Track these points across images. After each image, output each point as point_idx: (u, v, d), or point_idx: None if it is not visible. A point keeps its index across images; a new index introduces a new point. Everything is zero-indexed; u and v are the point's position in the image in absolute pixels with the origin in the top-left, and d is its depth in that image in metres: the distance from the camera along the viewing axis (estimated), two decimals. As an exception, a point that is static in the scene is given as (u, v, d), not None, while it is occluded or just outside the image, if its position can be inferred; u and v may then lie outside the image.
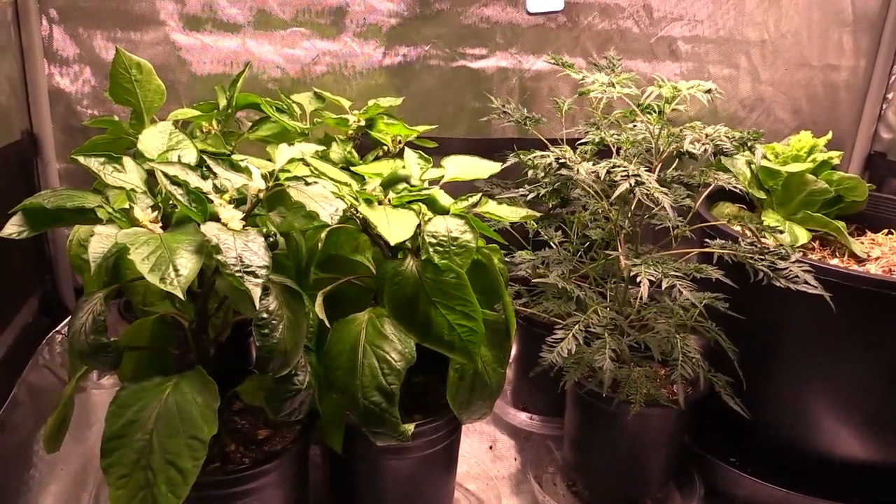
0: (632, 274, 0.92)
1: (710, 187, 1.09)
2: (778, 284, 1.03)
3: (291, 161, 0.98)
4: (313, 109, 1.28)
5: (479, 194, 0.98)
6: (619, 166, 0.97)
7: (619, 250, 1.13)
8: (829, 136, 1.41)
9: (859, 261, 1.31)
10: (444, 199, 0.97)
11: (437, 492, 1.11)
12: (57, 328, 1.37)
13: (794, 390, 1.24)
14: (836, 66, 1.60)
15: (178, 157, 0.98)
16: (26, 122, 1.28)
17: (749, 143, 0.96)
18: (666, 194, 0.95)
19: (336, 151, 1.18)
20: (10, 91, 1.21)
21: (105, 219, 0.83)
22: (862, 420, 1.20)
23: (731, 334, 1.27)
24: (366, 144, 1.28)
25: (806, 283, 1.03)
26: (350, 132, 1.25)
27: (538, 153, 1.00)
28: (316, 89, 1.33)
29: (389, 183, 0.96)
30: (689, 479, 1.27)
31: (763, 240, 1.22)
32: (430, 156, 1.17)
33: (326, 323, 0.91)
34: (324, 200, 0.86)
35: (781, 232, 1.32)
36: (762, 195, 1.41)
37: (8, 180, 1.22)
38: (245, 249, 0.78)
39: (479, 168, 1.06)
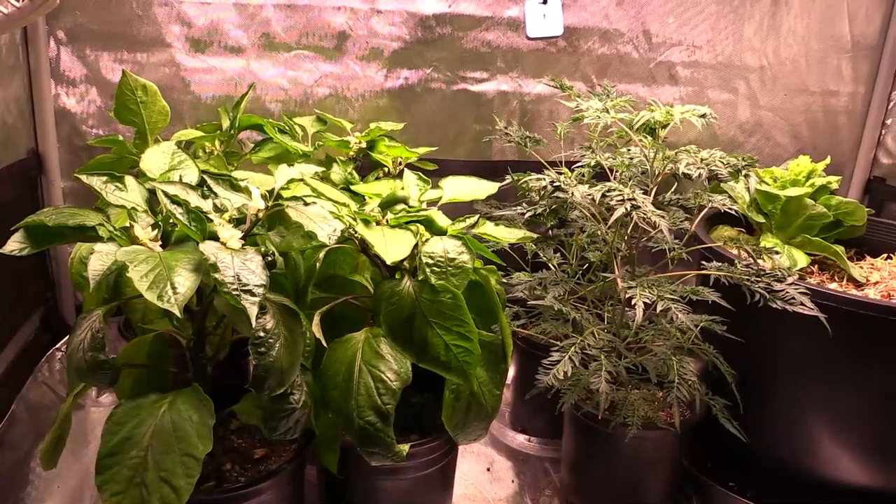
0: (627, 296, 0.92)
1: (705, 210, 1.09)
2: (774, 306, 1.03)
3: (292, 181, 0.99)
4: (315, 131, 1.29)
5: (477, 216, 0.99)
6: (614, 190, 0.98)
7: (616, 272, 1.14)
8: (828, 160, 1.42)
9: (858, 285, 1.31)
10: (442, 220, 0.98)
11: (432, 512, 1.11)
12: (57, 345, 1.38)
13: (791, 414, 1.24)
14: (836, 91, 1.61)
15: (180, 176, 0.99)
16: (32, 141, 1.30)
17: (744, 170, 0.96)
18: (662, 217, 0.95)
19: (337, 172, 1.20)
20: (17, 111, 1.23)
21: (106, 237, 0.84)
22: (861, 445, 1.19)
23: (730, 357, 1.27)
24: (367, 166, 1.29)
25: (802, 304, 1.03)
26: (352, 153, 1.26)
27: (534, 176, 1.01)
28: (318, 111, 1.34)
29: (388, 203, 0.97)
30: (687, 502, 1.26)
31: (761, 263, 1.23)
32: (430, 178, 1.19)
33: (323, 342, 0.91)
34: (322, 220, 0.88)
35: (778, 254, 1.33)
36: (761, 219, 1.41)
37: (13, 197, 1.23)
38: (243, 268, 0.79)
39: (476, 189, 1.07)
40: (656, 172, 1.06)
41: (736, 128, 1.62)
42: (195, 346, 0.94)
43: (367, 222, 0.89)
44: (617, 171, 1.09)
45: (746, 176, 0.95)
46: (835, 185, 1.39)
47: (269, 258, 0.89)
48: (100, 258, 0.79)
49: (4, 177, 1.21)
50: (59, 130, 1.32)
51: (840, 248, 1.37)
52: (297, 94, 1.40)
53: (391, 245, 0.85)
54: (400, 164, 1.24)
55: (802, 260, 1.34)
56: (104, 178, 0.89)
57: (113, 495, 0.80)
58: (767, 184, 1.42)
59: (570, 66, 1.50)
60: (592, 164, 1.11)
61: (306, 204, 0.89)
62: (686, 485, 1.29)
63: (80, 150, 1.34)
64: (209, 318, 0.94)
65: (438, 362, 0.91)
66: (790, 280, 1.06)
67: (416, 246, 0.90)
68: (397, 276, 0.93)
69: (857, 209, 1.37)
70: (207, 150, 1.22)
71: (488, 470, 1.36)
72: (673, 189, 1.20)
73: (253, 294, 0.77)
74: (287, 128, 1.25)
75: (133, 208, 0.88)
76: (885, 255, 1.43)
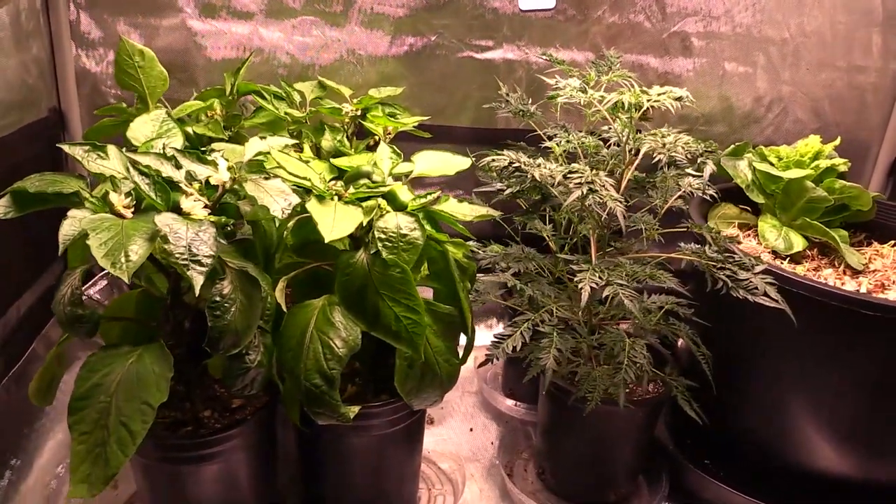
0: (576, 279, 0.94)
1: (676, 195, 1.08)
2: (735, 295, 1.03)
3: (283, 150, 1.04)
4: (314, 97, 1.33)
5: (438, 192, 1.02)
6: (575, 172, 0.99)
7: (592, 250, 1.15)
8: (838, 141, 1.37)
9: (855, 272, 1.28)
10: (405, 196, 1.01)
11: (399, 468, 1.17)
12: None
13: (768, 399, 1.24)
14: (863, 67, 1.54)
15: (163, 145, 1.06)
16: (54, 101, 1.39)
17: (701, 157, 0.95)
18: (619, 202, 0.96)
19: (328, 140, 1.24)
20: (37, 72, 1.32)
21: (87, 203, 0.92)
22: (833, 434, 1.19)
23: (710, 338, 1.28)
24: (366, 133, 1.33)
25: (765, 294, 1.03)
26: (346, 121, 1.30)
27: (493, 155, 1.03)
28: (320, 78, 1.38)
29: (351, 178, 1.01)
30: (658, 477, 1.29)
31: (736, 248, 1.21)
32: (431, 145, 1.21)
33: (283, 308, 0.97)
34: (279, 195, 0.92)
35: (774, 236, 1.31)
36: (761, 199, 1.38)
37: (36, 153, 1.32)
38: (195, 239, 0.85)
39: (449, 163, 1.10)
40: (629, 154, 1.06)
41: (753, 102, 1.56)
42: (171, 303, 1.01)
43: (321, 198, 0.93)
44: (588, 152, 1.09)
45: (703, 164, 0.94)
46: (842, 168, 1.35)
47: (229, 228, 0.95)
48: (72, 223, 0.86)
49: (27, 134, 1.30)
50: (79, 90, 1.40)
51: (843, 233, 1.34)
52: (304, 58, 1.44)
53: (338, 222, 0.89)
54: (390, 132, 1.27)
55: (799, 243, 1.32)
56: (87, 147, 0.95)
57: (81, 434, 0.89)
58: (771, 163, 1.39)
59: (579, 36, 1.48)
60: (563, 142, 1.11)
61: (267, 178, 0.94)
62: (659, 460, 1.31)
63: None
64: (185, 278, 1.01)
65: (389, 332, 0.96)
66: (758, 269, 1.06)
67: (370, 220, 0.94)
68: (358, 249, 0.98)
69: (861, 194, 1.32)
70: (209, 115, 1.28)
71: (471, 430, 1.42)
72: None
73: (201, 264, 0.83)
74: (285, 94, 1.29)
75: (112, 176, 0.95)
76: (892, 242, 1.38)
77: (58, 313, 0.94)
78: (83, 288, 1.54)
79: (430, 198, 1.00)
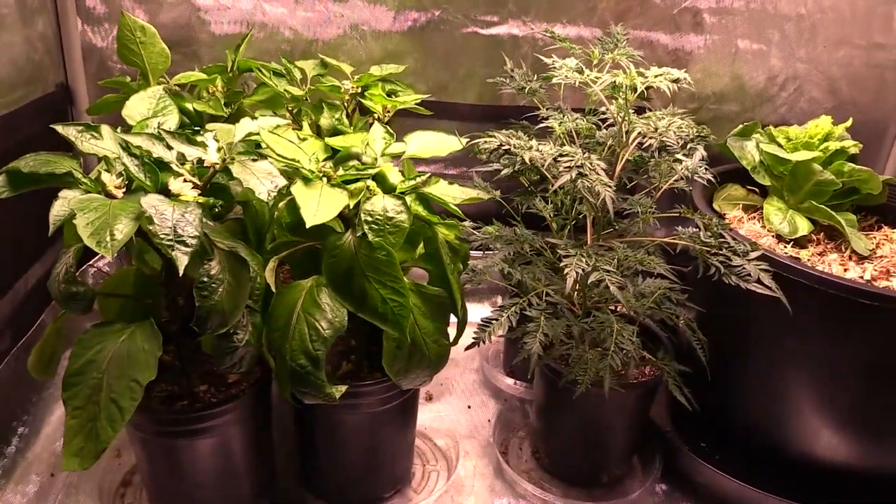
0: (562, 265, 0.93)
1: (672, 180, 1.06)
2: (727, 282, 1.02)
3: (274, 130, 1.04)
4: (315, 74, 1.33)
5: (429, 173, 1.02)
6: (566, 155, 0.98)
7: (589, 232, 1.14)
8: (849, 122, 1.33)
9: (861, 258, 1.26)
10: (394, 177, 1.01)
11: (391, 444, 1.19)
12: (90, 262, 1.52)
13: (763, 384, 1.23)
14: (883, 44, 1.48)
15: (158, 123, 1.07)
16: (61, 76, 1.41)
17: (692, 143, 0.93)
18: (608, 187, 0.95)
19: (325, 118, 1.24)
20: (44, 48, 1.33)
21: (79, 183, 0.93)
22: (830, 422, 1.17)
23: (709, 323, 1.27)
24: (367, 111, 1.32)
25: (759, 282, 1.01)
26: (346, 98, 1.30)
27: (484, 137, 1.02)
28: (321, 55, 1.38)
29: (341, 160, 1.01)
30: (652, 459, 1.29)
31: (757, 228, 1.19)
32: (439, 121, 1.20)
33: (272, 288, 0.98)
34: (266, 176, 0.93)
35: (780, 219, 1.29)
36: (767, 181, 1.36)
37: (44, 127, 1.34)
38: (181, 220, 0.86)
39: (441, 144, 1.10)
40: (625, 136, 1.04)
41: (767, 80, 1.52)
42: (165, 279, 1.03)
43: (308, 180, 0.93)
44: (581, 134, 1.08)
45: (693, 150, 0.92)
46: (853, 150, 1.31)
47: (217, 209, 0.96)
48: (63, 204, 0.88)
49: (35, 109, 1.32)
50: (86, 65, 1.42)
51: (850, 217, 1.31)
52: (307, 34, 1.43)
53: (322, 205, 0.89)
54: (388, 111, 1.27)
55: (804, 227, 1.29)
56: (80, 128, 0.96)
57: (74, 409, 0.92)
58: (780, 144, 1.36)
59: (587, 12, 1.45)
60: (557, 125, 1.09)
61: (255, 159, 0.94)
62: (655, 441, 1.31)
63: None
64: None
65: (376, 313, 0.97)
66: (753, 255, 1.04)
67: (357, 203, 0.95)
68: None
69: (871, 177, 1.29)
70: (210, 92, 1.28)
71: (469, 408, 1.43)
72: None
73: (186, 245, 0.84)
74: (285, 71, 1.29)
75: (105, 157, 0.96)
76: (902, 227, 1.35)
77: (53, 291, 0.97)
78: (93, 261, 1.58)
79: (419, 180, 1.00)
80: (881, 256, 1.26)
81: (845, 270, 1.22)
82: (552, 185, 1.11)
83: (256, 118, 1.01)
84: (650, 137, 0.94)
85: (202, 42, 1.42)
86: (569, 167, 0.96)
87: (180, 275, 0.84)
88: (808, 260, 1.25)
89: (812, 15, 1.45)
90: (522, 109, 1.43)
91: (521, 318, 1.06)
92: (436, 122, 1.53)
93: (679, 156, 0.94)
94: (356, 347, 1.16)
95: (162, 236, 0.84)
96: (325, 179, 0.97)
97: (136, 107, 1.08)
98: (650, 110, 1.20)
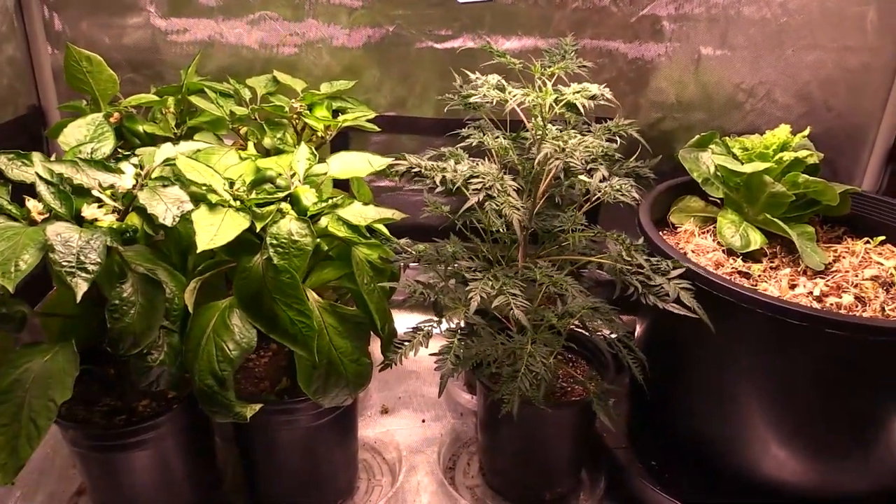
0: (467, 289, 0.93)
1: (596, 197, 1.05)
2: (644, 302, 1.00)
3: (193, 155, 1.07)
4: (265, 93, 1.36)
5: (343, 195, 1.03)
6: (477, 176, 0.97)
7: (520, 252, 1.14)
8: (807, 131, 1.29)
9: (816, 272, 1.21)
10: (308, 199, 1.02)
11: (331, 458, 1.21)
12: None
13: (709, 403, 1.20)
14: (855, 47, 1.42)
15: (91, 150, 1.11)
16: (34, 98, 1.47)
17: (592, 164, 0.92)
18: (516, 209, 0.94)
19: (268, 139, 1.26)
20: (13, 72, 1.39)
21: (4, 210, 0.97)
22: (773, 441, 1.14)
23: (657, 341, 1.25)
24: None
25: (678, 302, 0.99)
26: (294, 117, 1.32)
27: (395, 158, 1.03)
28: (276, 72, 1.40)
29: (256, 183, 1.03)
30: (595, 477, 1.27)
31: (709, 242, 1.17)
32: (399, 136, 1.21)
33: (190, 309, 1.01)
34: (174, 202, 0.96)
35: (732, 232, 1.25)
36: (720, 194, 1.32)
37: (19, 149, 1.40)
38: (85, 246, 0.89)
39: (363, 164, 1.10)
40: (541, 157, 1.03)
41: (733, 87, 1.48)
42: (97, 299, 1.06)
43: (212, 205, 0.95)
44: (496, 154, 1.07)
45: (592, 171, 0.91)
46: (812, 160, 1.27)
47: (128, 234, 0.99)
48: (-18, 231, 0.92)
49: (8, 130, 1.39)
50: (58, 87, 1.48)
51: (808, 229, 1.27)
52: (265, 53, 1.46)
53: (220, 231, 0.91)
54: (330, 129, 1.28)
55: (758, 240, 1.26)
56: (11, 156, 1.01)
57: (2, 426, 0.96)
58: (735, 155, 1.32)
59: (542, 23, 1.43)
60: (474, 143, 1.09)
61: (166, 185, 0.97)
62: (601, 460, 1.29)
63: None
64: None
65: (287, 335, 0.99)
66: (674, 273, 1.02)
67: (265, 227, 0.96)
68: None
69: (826, 189, 1.24)
70: (164, 113, 1.32)
71: (423, 422, 1.43)
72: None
73: (87, 272, 0.87)
74: (233, 91, 1.32)
75: (33, 183, 1.00)
76: (865, 239, 1.30)
77: (-15, 311, 1.02)
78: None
79: (331, 201, 1.01)
80: (836, 271, 1.22)
81: (794, 286, 1.18)
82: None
83: (177, 143, 1.04)
84: (556, 158, 0.93)
85: (165, 63, 1.46)
86: (477, 189, 0.95)
87: (77, 301, 0.87)
88: (760, 275, 1.21)
89: (777, 18, 1.40)
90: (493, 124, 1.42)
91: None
92: (396, 137, 1.55)
93: (582, 176, 0.92)
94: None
95: (64, 264, 0.87)
96: (237, 203, 0.99)
97: (73, 133, 1.13)
98: (605, 121, 1.19)
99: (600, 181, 0.91)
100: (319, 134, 1.29)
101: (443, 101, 1.21)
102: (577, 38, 1.45)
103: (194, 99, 1.24)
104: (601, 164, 0.92)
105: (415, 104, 1.50)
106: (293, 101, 1.30)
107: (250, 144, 1.27)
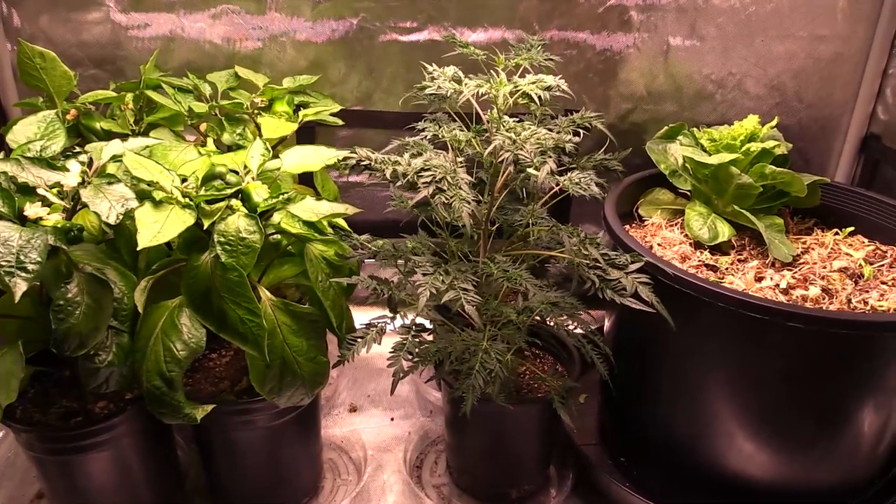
0: (416, 284, 0.91)
1: (551, 191, 1.03)
2: (601, 297, 0.98)
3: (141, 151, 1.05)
4: (226, 88, 1.33)
5: (294, 192, 1.01)
6: (429, 169, 0.95)
7: (482, 247, 1.12)
8: (775, 121, 1.27)
9: (784, 264, 1.20)
10: (259, 195, 1.00)
11: (293, 458, 1.19)
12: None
13: (677, 398, 1.18)
14: (826, 36, 1.40)
15: (40, 147, 1.09)
16: (-7, 95, 1.45)
17: (540, 157, 0.90)
18: (466, 203, 0.92)
19: (227, 135, 1.24)
20: (-30, 71, 1.37)
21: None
22: (740, 437, 1.12)
23: (626, 337, 1.23)
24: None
25: (635, 296, 0.97)
26: (255, 112, 1.30)
27: (346, 153, 1.01)
28: (239, 67, 1.38)
29: (206, 179, 1.01)
30: (567, 475, 1.26)
31: (676, 235, 1.15)
32: (365, 131, 1.18)
33: (140, 309, 0.99)
34: (119, 200, 0.94)
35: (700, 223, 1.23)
36: (687, 186, 1.30)
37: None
38: (26, 246, 0.87)
39: (318, 158, 1.09)
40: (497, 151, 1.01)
41: (703, 78, 1.46)
42: (45, 301, 1.04)
43: (158, 203, 0.93)
44: (453, 146, 1.05)
45: (541, 164, 0.89)
46: (779, 150, 1.25)
47: (74, 233, 0.97)
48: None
49: (-35, 129, 1.36)
50: (18, 85, 1.45)
51: (777, 221, 1.26)
52: (228, 47, 1.43)
53: (164, 228, 0.89)
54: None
55: (726, 232, 1.24)
56: (-46, 154, 0.99)
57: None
58: (703, 146, 1.30)
59: (508, 14, 1.41)
60: (429, 136, 1.07)
61: (111, 182, 0.95)
62: (568, 457, 1.28)
63: (42, 102, 1.48)
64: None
65: (237, 334, 0.97)
66: (633, 267, 1.00)
67: (213, 223, 0.94)
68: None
69: (794, 180, 1.22)
70: (123, 109, 1.30)
71: (392, 420, 1.42)
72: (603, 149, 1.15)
73: (27, 271, 0.85)
74: (193, 86, 1.30)
75: (-22, 182, 0.98)
76: (835, 231, 1.28)
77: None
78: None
79: (281, 197, 0.99)
80: (804, 263, 1.20)
81: (760, 279, 1.16)
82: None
83: (126, 139, 1.02)
84: (506, 150, 0.91)
85: (127, 59, 1.44)
86: (427, 182, 0.93)
87: (16, 301, 0.85)
88: (727, 268, 1.20)
89: (746, 7, 1.38)
90: (456, 114, 1.40)
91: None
92: (364, 131, 1.53)
93: (530, 169, 0.90)
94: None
95: (3, 264, 0.85)
96: (186, 199, 0.97)
97: (23, 131, 1.11)
98: (572, 113, 1.17)
99: (549, 174, 0.89)
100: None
101: (413, 95, 1.18)
102: (545, 30, 1.43)
103: (152, 94, 1.22)
104: (550, 156, 0.90)
105: (381, 98, 1.48)
106: (254, 96, 1.28)
107: (210, 141, 1.25)
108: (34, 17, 1.40)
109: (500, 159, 0.92)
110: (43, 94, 1.28)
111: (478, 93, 0.99)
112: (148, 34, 1.41)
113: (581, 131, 1.09)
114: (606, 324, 1.34)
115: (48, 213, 0.94)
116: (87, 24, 1.41)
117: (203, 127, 1.30)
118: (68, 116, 1.23)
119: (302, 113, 1.26)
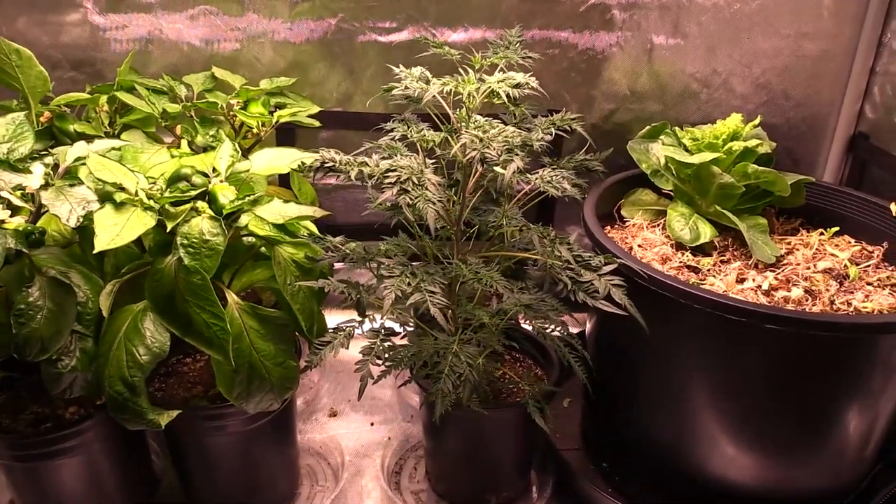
0: (382, 286, 0.90)
1: (524, 190, 1.01)
2: (573, 299, 0.96)
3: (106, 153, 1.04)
4: (202, 89, 1.32)
5: (262, 194, 0.99)
6: (395, 170, 0.94)
7: (455, 248, 1.10)
8: (758, 120, 1.25)
9: (766, 265, 1.17)
10: (225, 197, 0.99)
11: (267, 464, 1.17)
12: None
13: (658, 402, 1.16)
14: (812, 33, 1.37)
15: (8, 149, 1.07)
16: (-30, 99, 1.43)
17: (504, 155, 0.88)
18: (431, 203, 0.91)
19: (201, 136, 1.23)
20: (-54, 74, 1.35)
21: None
22: (721, 441, 1.10)
23: (606, 340, 1.21)
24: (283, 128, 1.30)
25: (607, 299, 0.95)
26: (231, 114, 1.28)
27: (313, 154, 0.99)
28: (216, 68, 1.37)
29: (172, 181, 0.99)
30: (547, 481, 1.23)
31: (657, 236, 1.13)
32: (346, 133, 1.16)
33: (104, 313, 0.97)
34: (80, 203, 0.92)
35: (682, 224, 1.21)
36: (669, 186, 1.28)
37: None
38: (-17, 250, 0.86)
39: (284, 160, 1.07)
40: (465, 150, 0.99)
41: (687, 76, 1.44)
42: (8, 305, 1.03)
43: (119, 205, 0.92)
44: (420, 145, 1.03)
45: (507, 162, 0.87)
46: (763, 149, 1.22)
47: (35, 236, 0.96)
48: None
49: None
50: None
51: (760, 221, 1.23)
52: (207, 49, 1.42)
53: (123, 231, 0.88)
54: (264, 126, 1.25)
55: (708, 233, 1.22)
56: (-84, 157, 0.98)
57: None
58: (685, 146, 1.28)
59: (489, 14, 1.39)
60: (398, 136, 1.05)
61: (73, 185, 0.94)
62: (548, 463, 1.25)
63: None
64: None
65: (203, 338, 0.95)
66: (606, 269, 0.98)
67: (177, 226, 0.93)
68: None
69: (777, 179, 1.20)
70: (97, 111, 1.29)
71: (372, 425, 1.40)
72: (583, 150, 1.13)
73: (-17, 275, 0.84)
74: (168, 88, 1.29)
75: (-60, 184, 0.97)
76: (820, 231, 1.25)
77: None
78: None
79: (247, 199, 0.98)
80: (787, 263, 1.17)
81: (742, 280, 1.14)
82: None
83: (90, 140, 1.01)
84: (472, 149, 0.89)
85: (105, 61, 1.43)
86: (392, 183, 0.92)
87: (-29, 305, 0.84)
88: (709, 269, 1.17)
89: (731, 5, 1.36)
90: (439, 116, 1.39)
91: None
92: (344, 133, 1.51)
93: (497, 168, 0.88)
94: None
95: (-47, 268, 0.84)
96: (150, 202, 0.95)
97: (-10, 133, 1.09)
98: (554, 113, 1.15)
99: (517, 172, 0.87)
100: (255, 131, 1.25)
101: (390, 96, 1.17)
102: (526, 29, 1.41)
103: (125, 96, 1.21)
104: (517, 154, 0.88)
105: (362, 99, 1.46)
106: (230, 97, 1.26)
107: (184, 142, 1.24)
108: (12, 19, 1.39)
109: (467, 158, 0.90)
110: (17, 96, 1.27)
111: (444, 91, 0.97)
112: (126, 36, 1.40)
113: (557, 131, 1.07)
114: (588, 326, 1.32)
115: (10, 216, 0.93)
116: (65, 25, 1.39)
117: (178, 129, 1.28)
118: (42, 119, 1.22)
119: (277, 114, 1.25)
